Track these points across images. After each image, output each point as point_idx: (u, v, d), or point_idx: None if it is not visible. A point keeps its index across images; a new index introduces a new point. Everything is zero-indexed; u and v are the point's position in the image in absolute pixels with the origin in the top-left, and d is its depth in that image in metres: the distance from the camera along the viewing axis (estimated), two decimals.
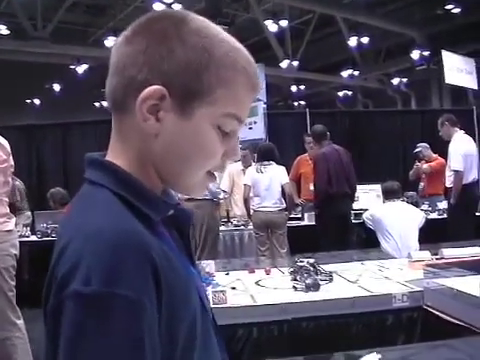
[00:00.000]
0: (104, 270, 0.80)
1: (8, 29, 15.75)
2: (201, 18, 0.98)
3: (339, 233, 6.53)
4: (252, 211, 6.93)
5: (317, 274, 3.39)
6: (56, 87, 20.85)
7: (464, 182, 6.85)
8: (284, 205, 6.89)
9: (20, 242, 4.37)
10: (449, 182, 7.01)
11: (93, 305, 0.78)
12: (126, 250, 0.82)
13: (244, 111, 1.00)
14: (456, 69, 12.11)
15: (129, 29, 0.97)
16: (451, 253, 3.66)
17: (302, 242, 6.59)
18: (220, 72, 0.94)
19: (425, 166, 8.34)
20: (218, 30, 0.98)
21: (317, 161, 6.76)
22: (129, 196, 0.92)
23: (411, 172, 8.56)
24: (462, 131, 7.15)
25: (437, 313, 2.89)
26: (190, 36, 0.93)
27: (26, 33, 16.07)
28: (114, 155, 0.98)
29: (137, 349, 0.79)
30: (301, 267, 3.40)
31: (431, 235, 5.51)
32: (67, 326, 0.79)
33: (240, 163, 7.80)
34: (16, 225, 6.90)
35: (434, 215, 7.73)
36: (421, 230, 5.58)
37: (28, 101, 21.98)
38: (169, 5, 15.02)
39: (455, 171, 6.83)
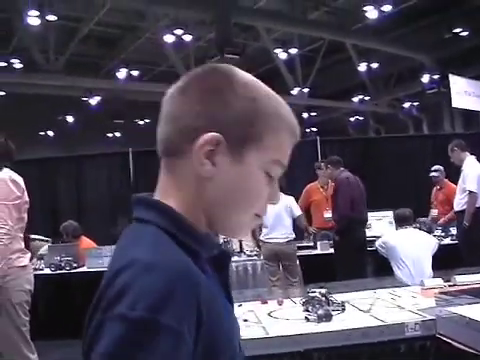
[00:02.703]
0: (151, 298, 0.83)
1: (21, 63, 15.95)
2: (246, 73, 1.07)
3: (357, 260, 6.52)
4: (261, 242, 6.93)
5: (329, 304, 3.38)
6: (69, 119, 21.03)
7: (477, 205, 6.83)
8: (293, 235, 6.87)
9: (34, 275, 4.41)
10: (459, 206, 6.98)
11: (136, 330, 0.82)
12: (176, 282, 0.86)
13: (286, 157, 1.07)
14: (464, 92, 12.15)
15: (182, 80, 1.06)
16: (463, 279, 3.64)
17: (315, 271, 6.57)
18: (268, 120, 1.03)
19: (434, 213, 8.37)
20: (260, 83, 1.07)
21: (340, 186, 6.76)
22: (178, 233, 0.97)
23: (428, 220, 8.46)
24: (473, 156, 7.15)
25: (450, 341, 2.87)
26: (240, 88, 1.02)
27: (39, 66, 16.26)
28: (165, 196, 1.03)
29: None
30: (313, 297, 3.38)
31: (445, 261, 5.49)
32: (105, 344, 0.82)
33: None
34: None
35: (447, 240, 7.69)
36: (435, 256, 5.54)
37: (42, 133, 22.16)
38: (179, 36, 15.19)
39: (470, 192, 6.80)
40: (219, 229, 1.07)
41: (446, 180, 8.43)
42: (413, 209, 6.05)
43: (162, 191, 1.05)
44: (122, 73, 17.17)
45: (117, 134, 23.08)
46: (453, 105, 12.59)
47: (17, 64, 15.96)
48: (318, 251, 7.60)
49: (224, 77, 1.03)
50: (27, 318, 4.11)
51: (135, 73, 17.72)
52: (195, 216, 1.01)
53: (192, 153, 0.99)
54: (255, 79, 1.07)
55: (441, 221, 8.27)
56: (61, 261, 7.16)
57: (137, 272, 0.86)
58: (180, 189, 1.02)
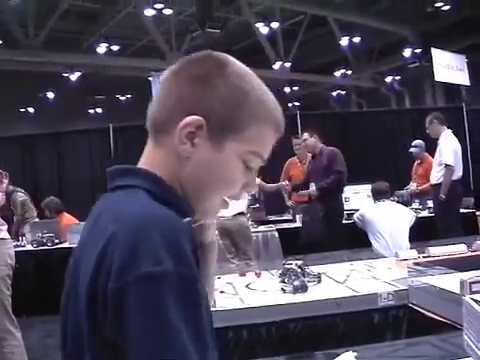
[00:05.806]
0: (169, 252, 0.87)
1: (0, 39, 15.76)
2: (240, 64, 1.12)
3: (339, 232, 6.66)
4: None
5: (305, 276, 3.44)
6: (50, 95, 20.83)
7: (453, 178, 6.89)
8: (243, 209, 6.44)
9: (17, 252, 4.44)
10: (435, 179, 7.04)
11: (168, 283, 0.86)
12: (181, 234, 0.91)
13: (267, 151, 1.12)
14: (446, 66, 12.16)
15: (177, 64, 1.11)
16: (437, 251, 3.71)
17: (295, 243, 6.63)
18: (252, 112, 1.07)
19: (413, 187, 8.42)
20: (253, 75, 1.11)
21: (338, 154, 6.93)
22: (167, 197, 1.01)
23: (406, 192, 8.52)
24: (450, 130, 7.20)
25: (422, 311, 2.94)
26: (230, 77, 1.07)
27: (18, 42, 16.06)
28: (150, 168, 1.07)
29: (201, 323, 0.89)
30: (289, 269, 3.44)
31: (422, 233, 5.56)
32: (143, 305, 0.85)
33: None
34: (23, 234, 7.06)
35: (425, 213, 7.77)
36: (413, 229, 5.61)
37: (22, 110, 21.95)
38: (160, 10, 15.04)
39: (447, 165, 6.86)
40: None
41: (426, 154, 8.43)
42: (392, 183, 6.10)
43: (147, 163, 1.08)
44: (102, 48, 16.98)
45: (98, 110, 22.89)
46: (435, 79, 12.62)
47: None
48: (297, 224, 7.64)
49: (216, 64, 1.08)
50: (9, 292, 4.14)
51: (115, 48, 17.52)
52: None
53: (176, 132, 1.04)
54: (249, 70, 1.11)
55: (415, 190, 8.37)
56: (43, 237, 7.17)
57: (138, 230, 0.89)
58: (164, 163, 1.07)
